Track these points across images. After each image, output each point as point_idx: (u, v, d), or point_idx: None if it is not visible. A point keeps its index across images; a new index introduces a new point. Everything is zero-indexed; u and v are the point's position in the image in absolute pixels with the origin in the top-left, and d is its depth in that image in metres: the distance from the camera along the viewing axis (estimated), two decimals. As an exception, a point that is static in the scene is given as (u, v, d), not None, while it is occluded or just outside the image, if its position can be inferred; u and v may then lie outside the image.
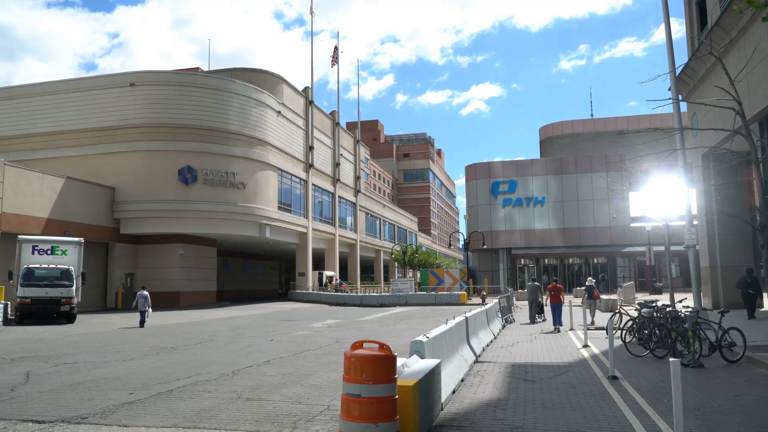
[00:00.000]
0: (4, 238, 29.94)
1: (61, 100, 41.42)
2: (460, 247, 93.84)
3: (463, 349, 11.79)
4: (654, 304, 14.46)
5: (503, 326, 20.82)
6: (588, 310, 22.35)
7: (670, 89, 19.75)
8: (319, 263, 60.45)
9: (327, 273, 55.85)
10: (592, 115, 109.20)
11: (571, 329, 19.86)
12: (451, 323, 11.12)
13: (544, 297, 23.30)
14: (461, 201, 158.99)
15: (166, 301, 38.54)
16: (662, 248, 39.96)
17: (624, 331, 14.72)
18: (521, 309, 30.57)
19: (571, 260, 61.00)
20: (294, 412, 8.04)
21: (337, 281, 55.54)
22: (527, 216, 58.52)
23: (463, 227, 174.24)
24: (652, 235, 39.52)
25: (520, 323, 23.78)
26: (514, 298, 31.11)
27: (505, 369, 11.77)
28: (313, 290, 51.21)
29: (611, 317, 14.44)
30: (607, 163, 56.40)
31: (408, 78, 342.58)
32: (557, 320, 20.60)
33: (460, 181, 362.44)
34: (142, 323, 23.68)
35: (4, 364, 13.22)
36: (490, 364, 12.44)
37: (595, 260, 60.25)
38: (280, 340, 17.77)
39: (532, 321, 23.53)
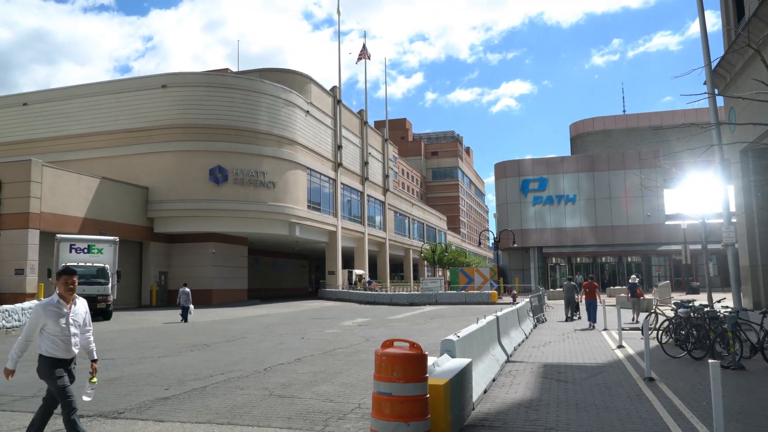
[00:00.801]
0: (43, 237, 30.70)
1: (96, 103, 42.31)
2: (490, 245, 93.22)
3: (495, 349, 11.68)
4: (691, 304, 14.13)
5: (535, 326, 20.60)
6: (631, 309, 22.14)
7: (705, 83, 19.29)
8: (348, 262, 60.65)
9: (356, 271, 56.00)
10: (624, 111, 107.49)
11: (605, 329, 19.55)
12: (482, 322, 11.03)
13: (580, 295, 23.24)
14: (491, 199, 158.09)
15: (198, 299, 38.95)
16: (699, 247, 39.10)
17: (660, 332, 14.41)
18: (553, 308, 30.22)
19: (603, 259, 60.09)
20: (325, 410, 8.06)
21: (367, 280, 55.63)
22: (558, 214, 57.81)
23: (492, 225, 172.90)
24: (689, 233, 38.69)
25: (557, 321, 23.63)
26: (546, 297, 30.77)
27: (538, 369, 11.63)
28: (342, 289, 51.40)
29: (646, 317, 14.15)
30: (640, 159, 55.36)
31: (437, 76, 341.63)
32: (592, 317, 20.96)
33: (490, 180, 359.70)
34: (185, 319, 25.07)
35: (43, 360, 13.53)
36: (521, 363, 12.31)
37: (629, 259, 59.25)
38: (311, 338, 17.86)
39: (570, 319, 23.70)
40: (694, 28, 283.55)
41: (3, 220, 30.45)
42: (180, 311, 25.76)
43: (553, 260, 60.48)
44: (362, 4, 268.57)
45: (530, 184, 58.52)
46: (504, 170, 59.91)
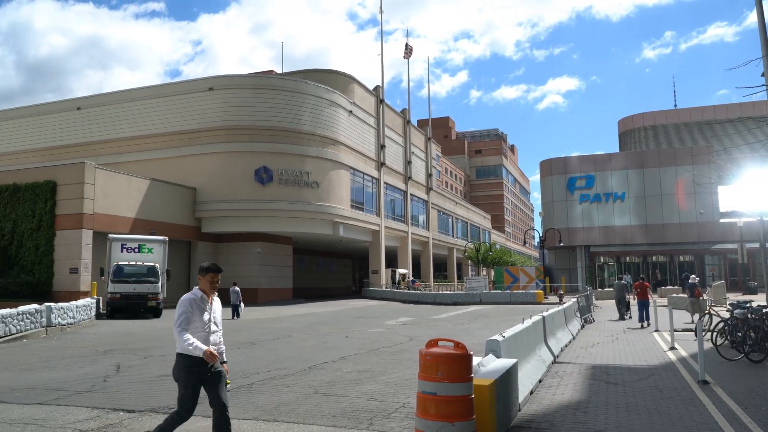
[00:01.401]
0: (96, 237, 31.71)
1: (146, 106, 43.48)
2: (536, 244, 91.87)
3: (541, 350, 11.48)
4: (748, 305, 13.59)
5: (582, 326, 20.19)
6: (687, 310, 21.60)
7: (763, 75, 18.52)
8: (391, 261, 60.71)
9: (400, 271, 56.00)
10: (675, 105, 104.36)
11: (657, 330, 19.02)
12: (528, 322, 10.85)
13: (631, 295, 22.95)
14: (536, 197, 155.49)
15: (244, 297, 39.33)
16: (756, 245, 37.62)
17: (715, 333, 13.93)
18: (601, 309, 29.56)
19: (654, 258, 58.48)
20: (370, 409, 8.06)
21: (410, 279, 55.56)
22: (606, 212, 56.55)
23: (538, 224, 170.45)
24: (745, 231, 37.30)
25: (606, 321, 23.20)
26: (594, 297, 30.14)
27: (585, 370, 11.38)
28: (386, 288, 51.47)
29: (700, 318, 13.69)
30: (693, 155, 53.66)
31: (482, 74, 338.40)
32: (644, 317, 20.87)
33: (535, 178, 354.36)
34: (236, 315, 26.16)
35: (97, 356, 13.98)
36: (569, 365, 12.06)
37: (681, 258, 57.50)
38: (355, 337, 17.93)
39: (622, 318, 23.64)
40: (752, 18, 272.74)
41: (58, 220, 31.58)
42: (231, 309, 26.45)
43: (601, 259, 59.19)
44: (407, 4, 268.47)
45: (577, 181, 57.42)
46: (550, 168, 58.95)
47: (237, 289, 27.43)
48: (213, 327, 5.57)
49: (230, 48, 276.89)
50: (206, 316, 5.49)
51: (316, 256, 61.63)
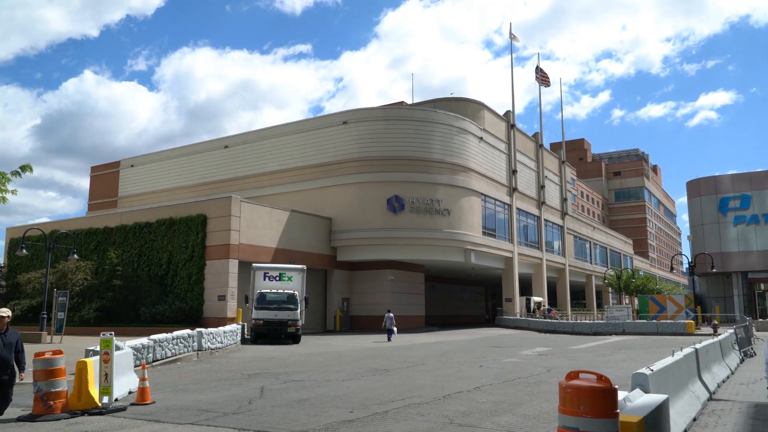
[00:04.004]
0: (241, 266, 33.85)
1: (285, 142, 46.21)
2: (684, 271, 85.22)
3: (694, 385, 10.51)
4: None
5: (741, 360, 18.26)
6: None
7: None
8: (525, 288, 59.00)
9: (535, 299, 54.24)
10: None
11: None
12: (679, 355, 9.99)
13: None
14: (684, 220, 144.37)
15: (377, 324, 40.34)
16: None
17: None
18: (762, 341, 26.61)
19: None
20: (506, 442, 7.76)
21: (546, 307, 53.59)
22: (766, 234, 51.25)
23: (686, 249, 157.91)
24: None
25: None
26: (754, 329, 27.21)
27: (747, 409, 10.23)
28: (520, 316, 50.03)
29: None
30: None
31: (626, 93, 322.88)
32: None
33: (683, 200, 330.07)
34: (389, 339, 29.97)
35: (243, 379, 14.79)
36: (727, 402, 10.92)
37: None
38: (489, 367, 17.51)
39: None
40: None
41: (208, 251, 34.14)
42: (386, 333, 30.82)
43: (762, 286, 53.47)
44: (544, 28, 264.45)
45: (730, 202, 52.72)
46: (698, 188, 54.68)
47: (391, 315, 31.31)
48: None
49: (369, 82, 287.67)
50: None
51: (449, 283, 61.39)
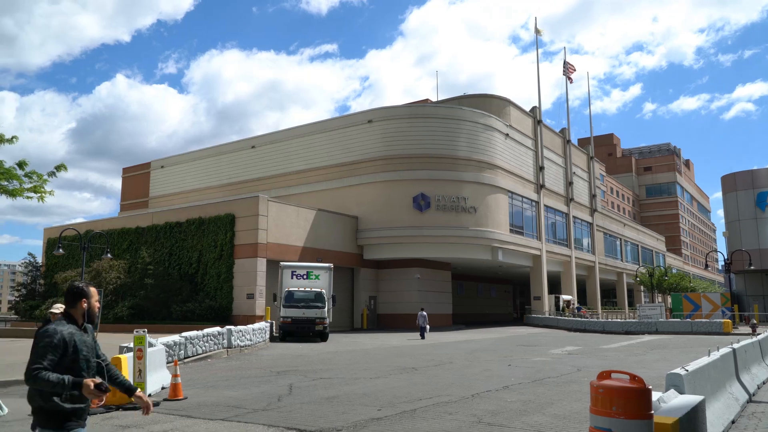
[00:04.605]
0: (269, 265, 34.11)
1: (311, 141, 46.41)
2: (720, 268, 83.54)
3: (732, 386, 10.24)
4: None
5: (781, 360, 17.76)
6: None
7: None
8: (554, 287, 58.36)
9: (564, 297, 53.62)
10: None
11: None
12: (715, 355, 9.74)
13: None
14: (719, 216, 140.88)
15: (405, 323, 40.37)
16: None
17: None
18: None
19: None
20: (537, 443, 7.67)
21: (576, 306, 52.94)
22: (805, 230, 49.83)
23: (722, 245, 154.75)
24: None
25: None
26: (793, 328, 26.47)
27: (789, 411, 9.94)
28: (549, 315, 49.50)
29: None
30: None
31: (657, 86, 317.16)
32: None
33: (717, 195, 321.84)
34: (422, 336, 30.25)
35: (271, 376, 14.90)
36: None
37: None
38: (518, 366, 17.35)
39: None
40: None
41: (236, 250, 34.47)
42: (419, 331, 30.96)
43: (801, 284, 52.06)
44: (572, 22, 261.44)
45: None
46: (734, 183, 53.43)
47: (424, 313, 31.43)
48: None
49: (395, 80, 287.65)
50: None
51: (476, 281, 61.05)
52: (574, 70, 61.96)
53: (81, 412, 3.96)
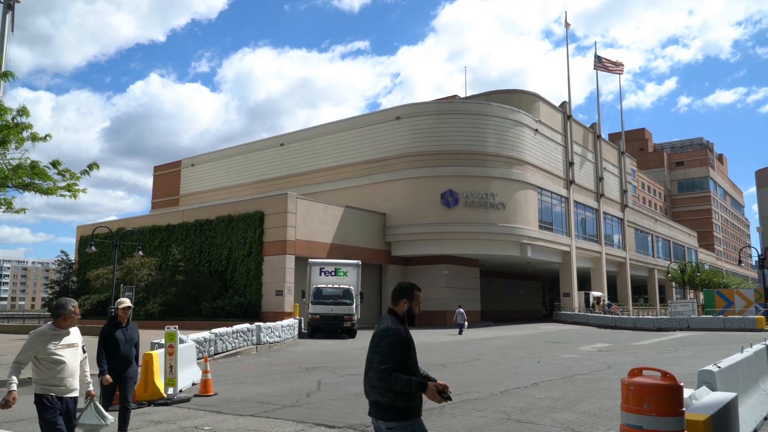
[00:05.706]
0: (297, 262, 34.38)
1: (340, 138, 46.58)
2: (753, 264, 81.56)
3: (765, 383, 10.03)
4: None
5: (819, 358, 17.32)
6: None
7: None
8: (584, 283, 57.69)
9: (594, 293, 52.97)
10: None
11: None
12: (748, 352, 9.56)
13: None
14: (753, 211, 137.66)
15: (433, 319, 40.29)
16: None
17: None
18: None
19: None
20: (566, 440, 7.63)
21: (606, 302, 52.28)
22: None
23: (756, 241, 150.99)
24: None
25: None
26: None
27: (827, 410, 9.69)
28: (579, 311, 48.97)
29: None
30: None
31: (693, 79, 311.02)
32: None
33: (752, 190, 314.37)
34: (460, 332, 30.84)
35: (300, 373, 15.04)
36: (804, 403, 10.38)
37: None
38: (547, 363, 17.22)
39: None
40: None
41: (265, 247, 34.81)
42: (457, 327, 31.71)
43: (841, 281, 50.57)
44: (607, 15, 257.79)
45: (803, 191, 50.05)
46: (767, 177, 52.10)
47: (461, 310, 32.27)
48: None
49: (426, 77, 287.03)
50: None
51: (504, 278, 60.63)
52: (623, 65, 61.41)
53: None
